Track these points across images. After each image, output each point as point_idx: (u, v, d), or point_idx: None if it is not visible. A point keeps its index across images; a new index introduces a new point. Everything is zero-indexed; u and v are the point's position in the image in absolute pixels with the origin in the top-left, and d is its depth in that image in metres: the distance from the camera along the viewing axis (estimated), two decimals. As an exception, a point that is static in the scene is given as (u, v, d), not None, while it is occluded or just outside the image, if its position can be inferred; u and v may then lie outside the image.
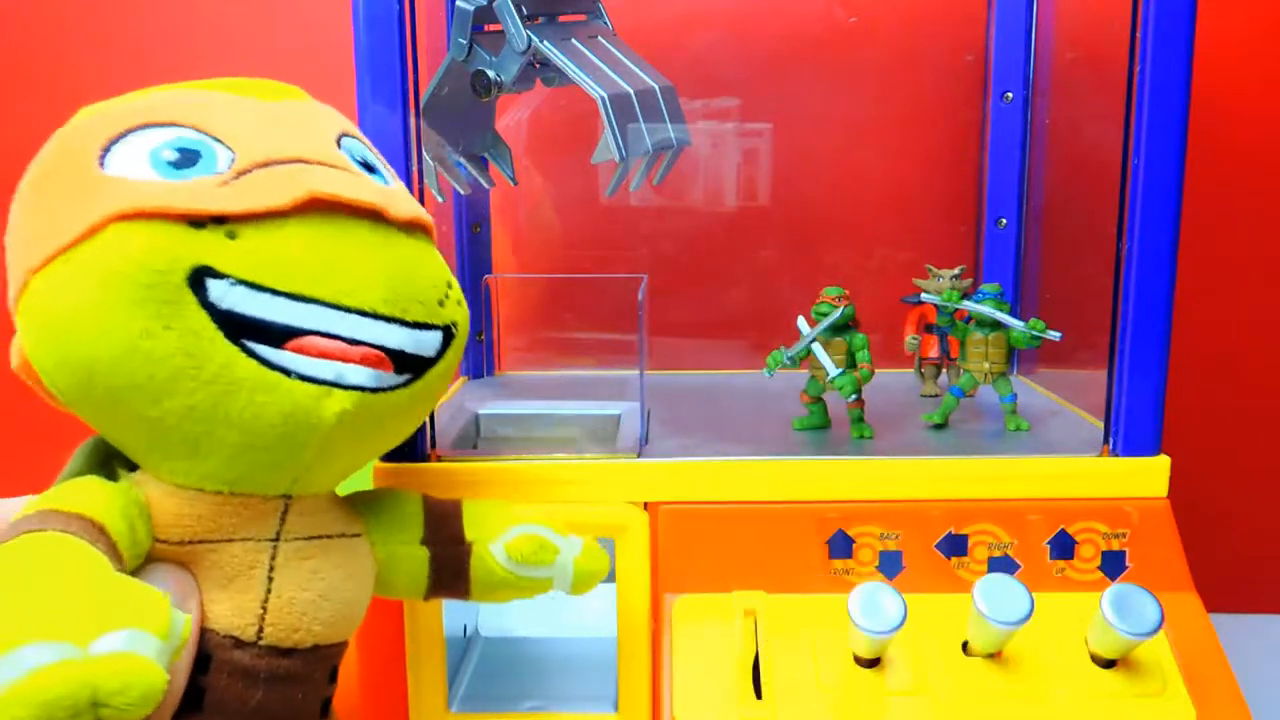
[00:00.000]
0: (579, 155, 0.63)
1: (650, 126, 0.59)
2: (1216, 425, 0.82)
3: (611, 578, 0.54)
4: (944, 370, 0.72)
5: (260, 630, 0.39)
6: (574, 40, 0.59)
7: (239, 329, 0.36)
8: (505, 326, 0.79)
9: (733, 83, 0.77)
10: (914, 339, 0.69)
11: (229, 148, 0.38)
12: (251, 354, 0.36)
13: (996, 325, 0.60)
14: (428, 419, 0.54)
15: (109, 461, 0.40)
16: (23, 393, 0.40)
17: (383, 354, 0.38)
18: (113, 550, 0.35)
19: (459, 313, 0.42)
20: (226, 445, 0.37)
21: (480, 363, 0.77)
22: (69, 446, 0.41)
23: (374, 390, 0.38)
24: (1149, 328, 0.54)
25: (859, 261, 0.79)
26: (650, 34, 0.74)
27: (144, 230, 0.35)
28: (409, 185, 0.52)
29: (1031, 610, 0.46)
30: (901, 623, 0.46)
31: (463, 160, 0.64)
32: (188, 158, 0.37)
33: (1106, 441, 0.56)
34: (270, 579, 0.40)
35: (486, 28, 0.59)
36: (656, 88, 0.61)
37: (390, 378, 0.39)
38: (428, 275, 0.41)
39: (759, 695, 0.49)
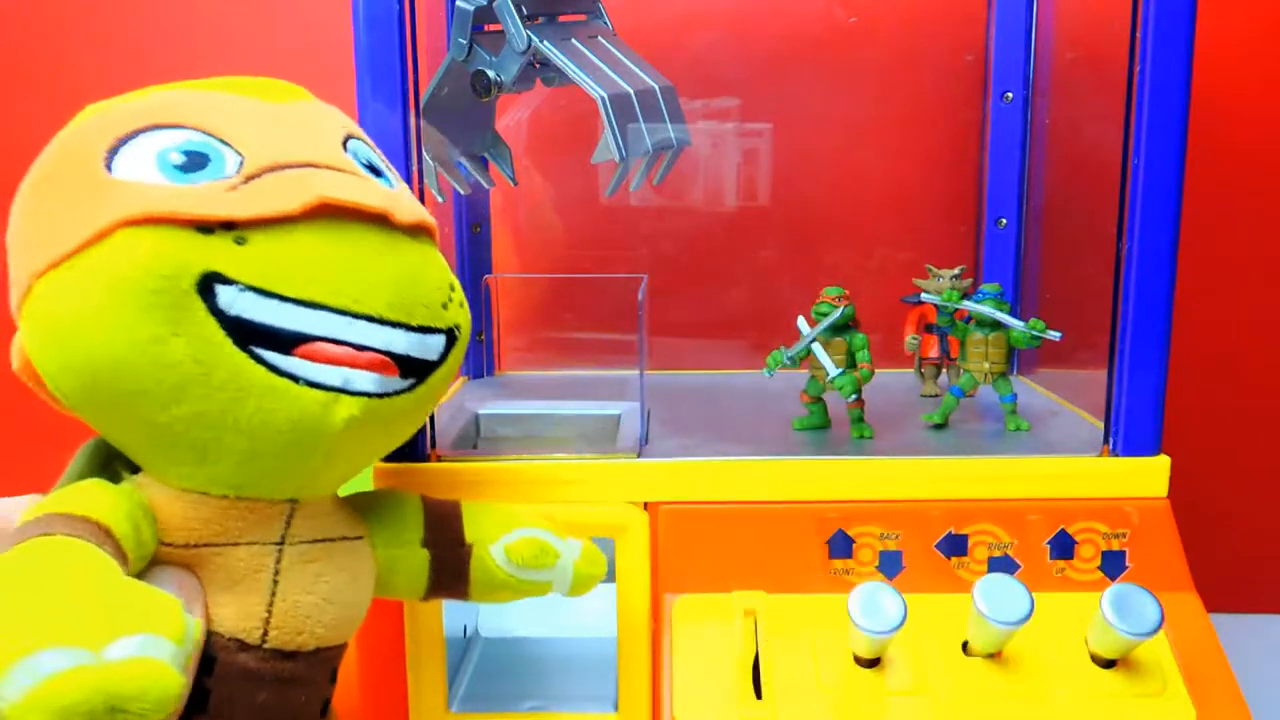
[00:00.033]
0: (579, 155, 0.63)
1: (650, 126, 0.59)
2: (1216, 425, 0.82)
3: (611, 578, 0.54)
4: (944, 370, 0.72)
5: (265, 633, 0.39)
6: (574, 40, 0.59)
7: (248, 335, 0.36)
8: (505, 326, 0.79)
9: (733, 83, 0.77)
10: (914, 339, 0.69)
11: (237, 151, 0.38)
12: (260, 360, 0.36)
13: (996, 325, 0.60)
14: (428, 419, 0.54)
15: (110, 463, 0.40)
16: (21, 393, 0.40)
17: (388, 359, 0.38)
18: (119, 554, 0.35)
19: (461, 315, 0.42)
20: (234, 451, 0.37)
21: (480, 363, 0.77)
22: (68, 446, 0.41)
23: (380, 395, 0.38)
24: (1149, 328, 0.54)
25: (859, 261, 0.79)
26: (650, 34, 0.74)
27: (152, 236, 0.35)
28: (409, 185, 0.52)
29: (1031, 610, 0.46)
30: (901, 623, 0.46)
31: (463, 160, 0.64)
32: (195, 161, 0.37)
33: (1106, 441, 0.56)
34: (275, 582, 0.40)
35: (486, 28, 0.59)
36: (656, 88, 0.61)
37: (395, 382, 0.39)
38: (432, 279, 0.41)
39: (759, 695, 0.49)
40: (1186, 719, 0.48)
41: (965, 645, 0.51)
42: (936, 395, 0.70)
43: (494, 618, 0.68)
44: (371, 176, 0.41)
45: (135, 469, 0.40)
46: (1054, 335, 0.58)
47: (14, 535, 0.34)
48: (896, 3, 0.77)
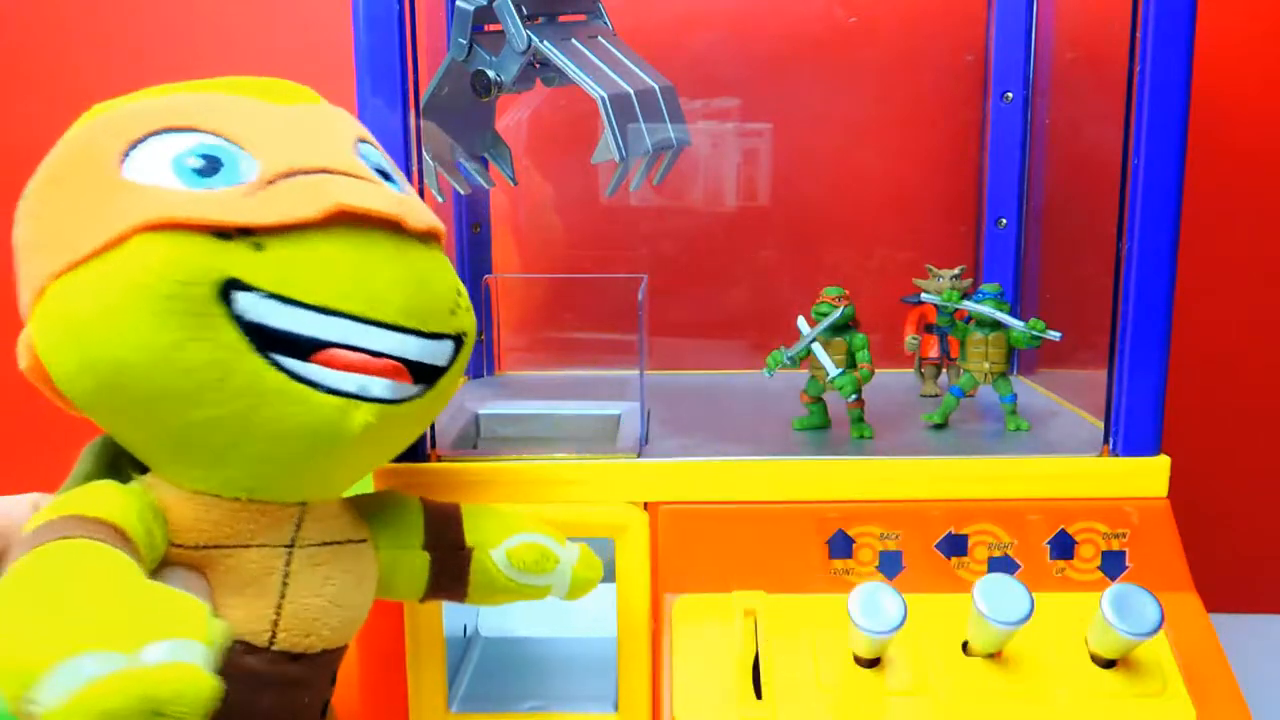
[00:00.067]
0: (579, 155, 0.63)
1: (650, 126, 0.59)
2: (1216, 425, 0.82)
3: (611, 578, 0.54)
4: (944, 370, 0.72)
5: (273, 636, 0.39)
6: (574, 40, 0.59)
7: (266, 341, 0.36)
8: (505, 326, 0.79)
9: (733, 83, 0.77)
10: (914, 339, 0.69)
11: (252, 155, 0.38)
12: (279, 366, 0.36)
13: (996, 325, 0.60)
14: (428, 419, 0.54)
15: (118, 462, 0.40)
16: (20, 392, 0.40)
17: (401, 365, 0.39)
18: (135, 556, 0.35)
19: (468, 320, 0.43)
20: (250, 455, 0.37)
21: (480, 363, 0.77)
22: (66, 444, 0.41)
23: (393, 402, 0.39)
24: (1149, 328, 0.54)
25: (859, 261, 0.79)
26: (650, 34, 0.74)
27: (172, 241, 0.35)
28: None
29: (1031, 610, 0.46)
30: (901, 623, 0.46)
31: (463, 160, 0.64)
32: (211, 165, 0.37)
33: (1106, 441, 0.56)
34: (285, 585, 0.40)
35: (486, 28, 0.59)
36: (656, 88, 0.61)
37: (408, 388, 0.39)
38: (442, 284, 0.41)
39: (759, 695, 0.49)
40: (1186, 719, 0.48)
41: (965, 645, 0.51)
42: (936, 395, 0.70)
43: (494, 618, 0.68)
44: (382, 181, 0.41)
45: (143, 468, 0.40)
46: (1054, 335, 0.58)
47: (30, 538, 0.34)
48: (896, 3, 0.77)
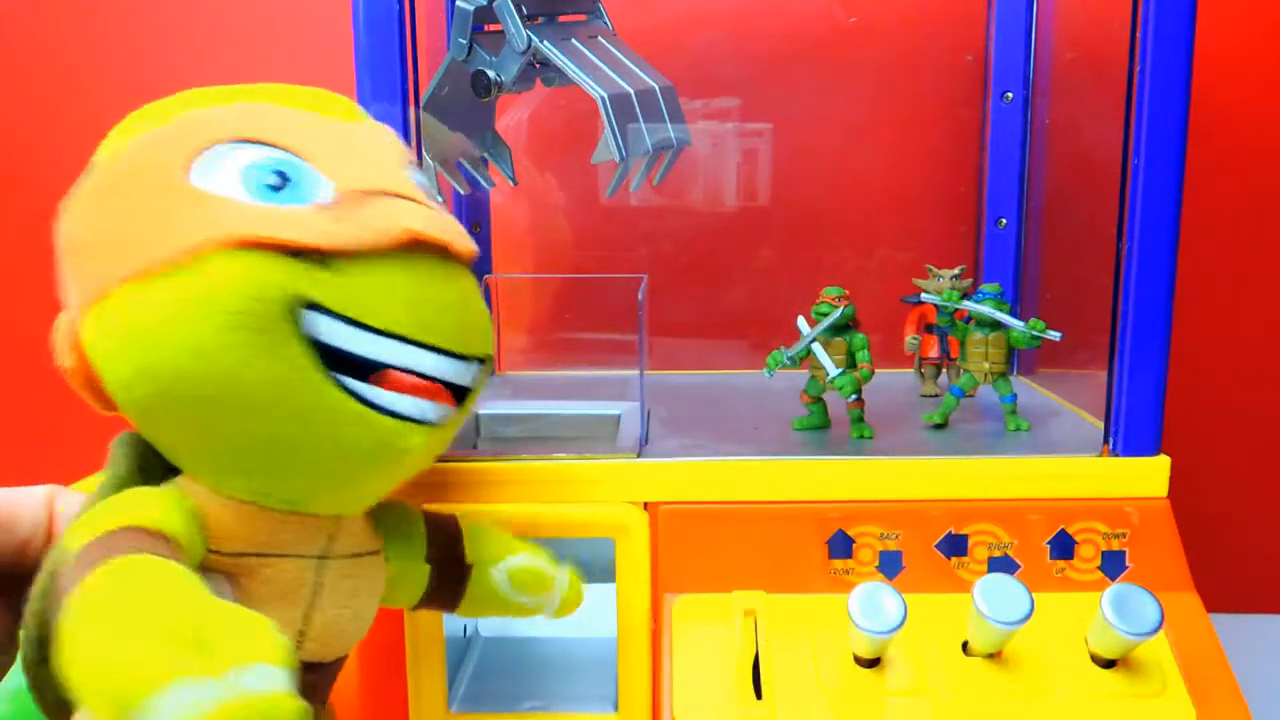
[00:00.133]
0: (579, 155, 0.63)
1: (650, 126, 0.59)
2: (1216, 425, 0.82)
3: (611, 578, 0.54)
4: (944, 370, 0.72)
5: (299, 647, 0.39)
6: (574, 40, 0.59)
7: (330, 361, 0.36)
8: (505, 326, 0.79)
9: (733, 83, 0.77)
10: (914, 339, 0.69)
11: (323, 174, 0.37)
12: (341, 386, 0.36)
13: (996, 325, 0.60)
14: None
15: (147, 463, 0.39)
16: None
17: (444, 388, 0.39)
18: (190, 567, 0.34)
19: (491, 341, 0.43)
20: (302, 471, 0.37)
21: (480, 363, 0.77)
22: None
23: (438, 424, 0.39)
24: (1149, 328, 0.54)
25: (859, 261, 0.79)
26: (650, 34, 0.74)
27: (250, 259, 0.35)
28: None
29: (1031, 610, 0.46)
30: (901, 623, 0.46)
31: (463, 160, 0.64)
32: (283, 180, 0.37)
33: (1106, 441, 0.56)
34: (315, 596, 0.40)
35: (486, 28, 0.59)
36: (656, 88, 0.61)
37: (449, 410, 0.40)
38: (478, 308, 0.41)
39: (759, 695, 0.49)
40: (1186, 719, 0.48)
41: (965, 645, 0.51)
42: (936, 395, 0.70)
43: (494, 618, 0.68)
44: (435, 205, 0.41)
45: (171, 468, 0.39)
46: (1054, 335, 0.58)
47: (90, 553, 0.33)
48: (896, 3, 0.77)
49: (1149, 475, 0.55)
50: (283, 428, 0.36)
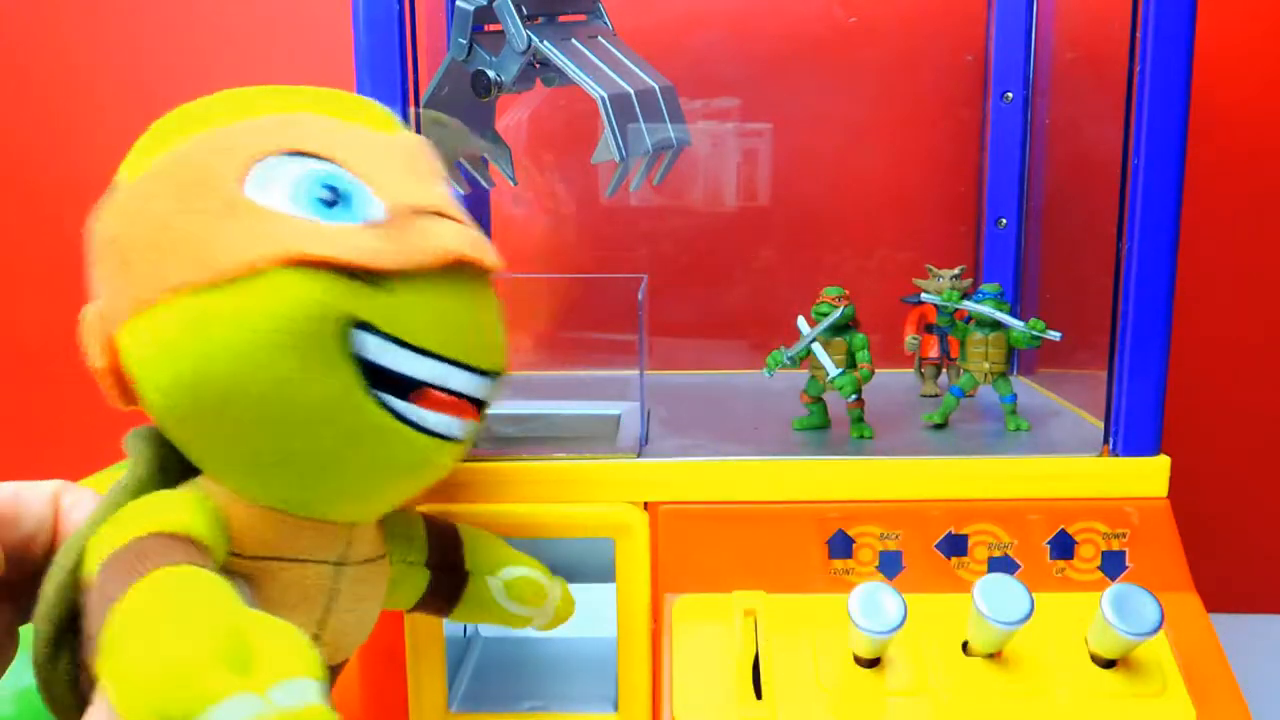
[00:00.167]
0: (579, 155, 0.63)
1: (650, 126, 0.59)
2: (1216, 425, 0.82)
3: (611, 578, 0.54)
4: (944, 370, 0.72)
5: None
6: (574, 40, 0.59)
7: (374, 379, 0.36)
8: (505, 326, 0.79)
9: (733, 83, 0.77)
10: (914, 339, 0.69)
11: (373, 191, 0.37)
12: (383, 405, 0.36)
13: (996, 325, 0.60)
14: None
15: (166, 462, 0.39)
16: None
17: (470, 404, 0.39)
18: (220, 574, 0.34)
19: (506, 354, 0.43)
20: (333, 484, 0.38)
21: (480, 363, 0.77)
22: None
23: (464, 440, 0.40)
24: (1149, 328, 0.54)
25: (859, 261, 0.79)
26: (650, 34, 0.74)
27: (307, 279, 0.34)
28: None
29: (1031, 610, 0.46)
30: (901, 623, 0.46)
31: (463, 160, 0.64)
32: (335, 196, 0.37)
33: (1106, 441, 0.56)
34: (331, 601, 0.40)
35: (486, 28, 0.59)
36: (656, 88, 0.61)
37: (475, 426, 0.40)
38: (500, 323, 0.42)
39: (759, 695, 0.49)
40: (1186, 719, 0.48)
41: (965, 645, 0.51)
42: (936, 395, 0.70)
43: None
44: (472, 222, 0.41)
45: (191, 467, 0.39)
46: (1054, 335, 0.58)
47: (123, 561, 0.32)
48: (896, 3, 0.77)
49: (1149, 475, 0.55)
50: (323, 443, 0.36)
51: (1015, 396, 0.61)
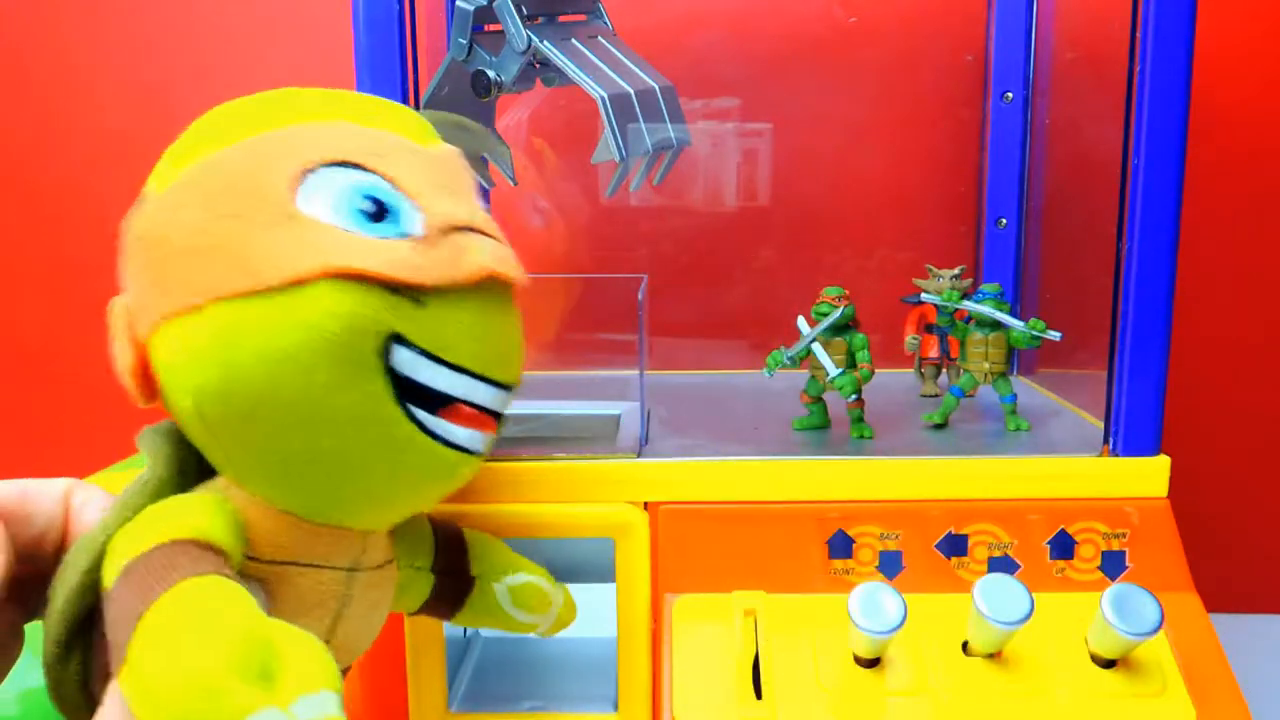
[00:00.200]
0: (579, 155, 0.63)
1: (650, 126, 0.59)
2: (1216, 425, 0.82)
3: (611, 578, 0.54)
4: (944, 370, 0.72)
5: None
6: (574, 40, 0.59)
7: (405, 392, 0.36)
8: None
9: (733, 83, 0.77)
10: (914, 339, 0.69)
11: (415, 205, 0.37)
12: (413, 418, 0.36)
13: (996, 325, 0.60)
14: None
15: (186, 464, 0.38)
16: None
17: (490, 417, 0.39)
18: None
19: (522, 368, 0.43)
20: (355, 493, 0.38)
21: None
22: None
23: (484, 453, 0.40)
24: (1149, 328, 0.54)
25: (859, 261, 0.79)
26: (650, 34, 0.74)
27: (351, 292, 0.35)
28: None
29: (1031, 610, 0.46)
30: (901, 623, 0.46)
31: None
32: (380, 209, 0.37)
33: (1106, 441, 0.56)
34: (343, 607, 0.40)
35: (486, 28, 0.59)
36: (656, 88, 0.61)
37: (494, 438, 0.40)
38: (520, 338, 0.42)
39: (759, 695, 0.49)
40: (1186, 719, 0.48)
41: (965, 645, 0.51)
42: (936, 395, 0.70)
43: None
44: (501, 236, 0.41)
45: (208, 467, 0.39)
46: (1054, 335, 0.58)
47: (146, 567, 0.32)
48: (896, 3, 0.77)
49: (1149, 475, 0.55)
50: (351, 454, 0.36)
51: (1015, 396, 0.61)
